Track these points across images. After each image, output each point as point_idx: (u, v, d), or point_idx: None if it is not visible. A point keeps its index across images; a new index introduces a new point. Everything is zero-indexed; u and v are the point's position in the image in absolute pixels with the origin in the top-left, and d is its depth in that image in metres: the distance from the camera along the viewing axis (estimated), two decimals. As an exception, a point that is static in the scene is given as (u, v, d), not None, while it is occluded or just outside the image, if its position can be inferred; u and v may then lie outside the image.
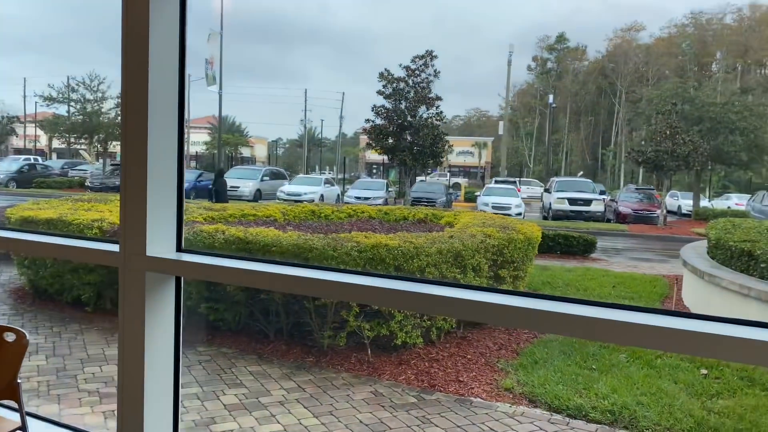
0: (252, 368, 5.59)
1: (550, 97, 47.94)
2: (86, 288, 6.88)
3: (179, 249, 2.23)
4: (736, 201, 27.46)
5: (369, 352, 5.83)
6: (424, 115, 23.22)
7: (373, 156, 41.66)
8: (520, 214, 22.16)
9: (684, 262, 8.79)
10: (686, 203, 27.11)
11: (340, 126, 50.65)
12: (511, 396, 5.17)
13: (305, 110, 45.81)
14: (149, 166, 2.02)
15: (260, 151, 52.19)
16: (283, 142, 57.84)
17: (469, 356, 6.08)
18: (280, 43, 64.72)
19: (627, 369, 5.86)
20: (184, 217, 2.19)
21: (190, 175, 24.68)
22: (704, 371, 5.79)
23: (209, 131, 41.90)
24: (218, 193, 18.99)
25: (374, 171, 43.18)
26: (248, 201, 21.66)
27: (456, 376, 5.54)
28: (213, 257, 2.13)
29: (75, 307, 7.10)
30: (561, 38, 53.67)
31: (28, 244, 2.65)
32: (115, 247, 2.18)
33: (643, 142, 25.89)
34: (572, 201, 22.87)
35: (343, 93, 52.61)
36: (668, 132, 21.58)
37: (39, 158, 31.17)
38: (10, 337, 2.89)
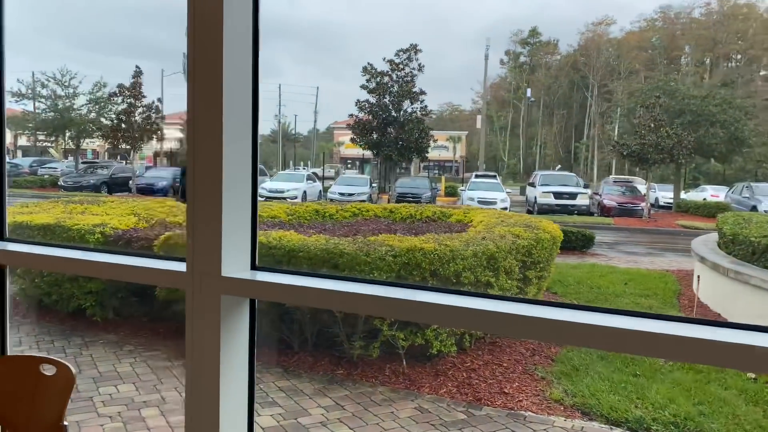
0: (281, 383, 5.20)
1: (528, 91, 48.01)
2: (88, 297, 6.39)
3: (254, 267, 1.92)
4: (711, 192, 27.70)
5: (404, 362, 5.48)
6: (409, 110, 22.85)
7: (347, 151, 41.14)
8: (505, 208, 21.96)
9: (702, 258, 8.60)
10: (663, 195, 27.23)
11: (315, 120, 49.88)
12: (562, 408, 4.87)
13: (279, 105, 44.95)
14: (224, 174, 1.70)
15: (232, 147, 51.13)
16: (255, 137, 56.77)
17: (505, 364, 5.77)
18: (250, 36, 63.51)
19: (671, 374, 5.61)
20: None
21: (167, 173, 23.90)
22: (752, 375, 5.57)
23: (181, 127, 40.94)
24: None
25: (349, 166, 42.72)
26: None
27: (499, 387, 5.22)
28: (292, 276, 1.83)
29: (74, 318, 6.60)
30: (534, 32, 53.71)
31: (72, 262, 2.22)
32: (180, 266, 1.86)
33: (625, 135, 25.89)
34: (557, 195, 22.74)
35: (318, 87, 51.97)
36: (652, 125, 21.54)
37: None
38: (50, 371, 2.49)
